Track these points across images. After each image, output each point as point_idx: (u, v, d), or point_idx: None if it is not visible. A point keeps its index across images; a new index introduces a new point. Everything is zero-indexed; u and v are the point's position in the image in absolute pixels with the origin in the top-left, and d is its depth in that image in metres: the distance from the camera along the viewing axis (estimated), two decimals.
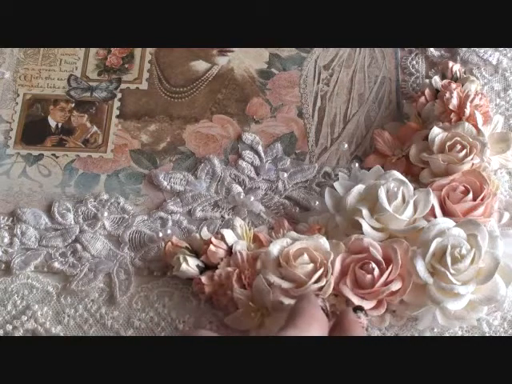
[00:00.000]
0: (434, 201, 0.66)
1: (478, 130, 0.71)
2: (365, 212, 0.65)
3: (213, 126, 0.79)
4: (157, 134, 0.79)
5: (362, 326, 0.59)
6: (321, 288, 0.62)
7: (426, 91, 0.76)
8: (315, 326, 0.56)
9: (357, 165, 0.74)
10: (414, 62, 0.82)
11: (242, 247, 0.66)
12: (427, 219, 0.66)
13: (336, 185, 0.70)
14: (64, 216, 0.73)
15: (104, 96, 0.81)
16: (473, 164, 0.69)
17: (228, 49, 0.84)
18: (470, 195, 0.67)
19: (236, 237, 0.68)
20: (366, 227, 0.65)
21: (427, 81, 0.77)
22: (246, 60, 0.83)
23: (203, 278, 0.65)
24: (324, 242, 0.64)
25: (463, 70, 0.78)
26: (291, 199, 0.74)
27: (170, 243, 0.68)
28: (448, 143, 0.70)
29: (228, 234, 0.67)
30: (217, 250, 0.66)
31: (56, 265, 0.70)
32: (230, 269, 0.65)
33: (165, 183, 0.74)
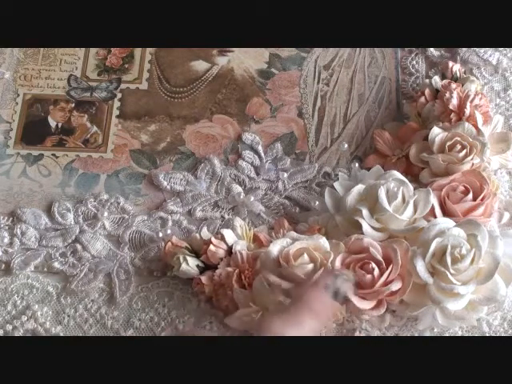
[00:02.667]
0: (433, 201, 0.66)
1: (478, 130, 0.71)
2: (365, 212, 0.65)
3: (213, 126, 0.79)
4: (157, 134, 0.79)
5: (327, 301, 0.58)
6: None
7: (426, 91, 0.75)
8: (306, 313, 0.56)
9: (357, 165, 0.74)
10: (414, 62, 0.82)
11: (241, 247, 0.66)
12: (427, 219, 0.66)
13: (336, 185, 0.70)
14: (64, 216, 0.73)
15: (104, 96, 0.81)
16: (473, 164, 0.69)
17: (228, 49, 0.84)
18: (470, 195, 0.67)
19: (236, 237, 0.68)
20: (365, 227, 0.65)
21: (427, 81, 0.77)
22: (245, 60, 0.83)
23: (203, 278, 0.65)
24: (324, 241, 0.64)
25: (463, 69, 0.78)
26: (291, 199, 0.74)
27: (169, 243, 0.68)
28: (448, 143, 0.70)
29: (228, 233, 0.67)
30: (217, 250, 0.66)
31: (56, 265, 0.70)
32: (229, 269, 0.65)
33: (165, 183, 0.74)
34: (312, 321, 0.56)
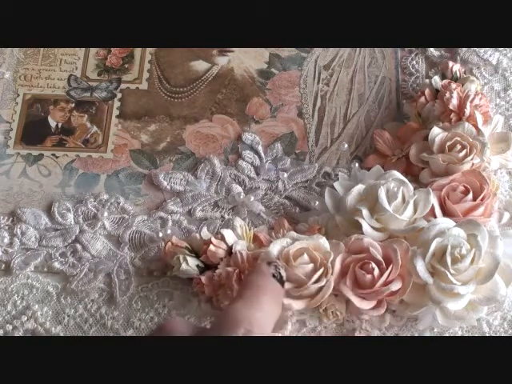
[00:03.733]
0: (433, 201, 0.66)
1: (478, 130, 0.71)
2: (365, 212, 0.65)
3: (213, 126, 0.79)
4: (157, 134, 0.79)
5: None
6: (321, 288, 0.62)
7: (426, 91, 0.76)
8: (263, 298, 0.56)
9: (357, 165, 0.74)
10: (414, 62, 0.82)
11: (241, 247, 0.66)
12: (427, 219, 0.66)
13: (336, 185, 0.70)
14: (64, 216, 0.73)
15: (104, 96, 0.81)
16: (473, 164, 0.69)
17: (228, 49, 0.84)
18: (470, 195, 0.67)
19: (236, 237, 0.68)
20: (365, 227, 0.65)
21: (427, 81, 0.77)
22: (245, 60, 0.83)
23: (203, 278, 0.65)
24: (324, 241, 0.64)
25: (463, 70, 0.78)
26: (291, 199, 0.74)
27: (169, 243, 0.68)
28: (448, 143, 0.70)
29: (228, 234, 0.67)
30: (217, 250, 0.66)
31: (56, 265, 0.70)
32: (229, 269, 0.65)
33: (165, 183, 0.74)
34: (269, 305, 0.56)
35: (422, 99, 0.75)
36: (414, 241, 0.64)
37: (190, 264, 0.66)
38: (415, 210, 0.66)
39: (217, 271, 0.65)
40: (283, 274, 0.60)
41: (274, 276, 0.59)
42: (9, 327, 0.66)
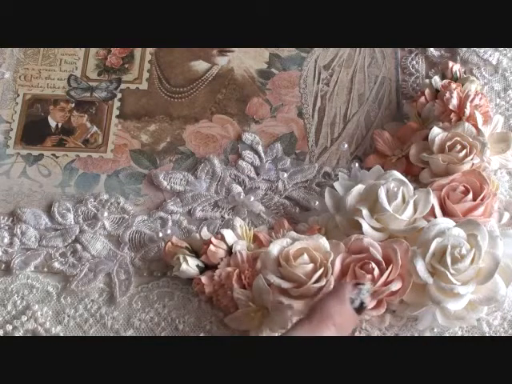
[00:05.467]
0: (434, 201, 0.66)
1: (478, 130, 0.71)
2: (365, 212, 0.65)
3: (213, 126, 0.79)
4: (157, 134, 0.79)
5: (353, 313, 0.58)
6: (321, 288, 0.62)
7: (426, 91, 0.76)
8: (330, 326, 0.56)
9: (357, 165, 0.74)
10: (414, 62, 0.82)
11: (242, 247, 0.66)
12: (427, 219, 0.66)
13: (336, 185, 0.70)
14: (64, 216, 0.73)
15: (104, 96, 0.81)
16: (473, 164, 0.69)
17: (228, 49, 0.84)
18: (470, 195, 0.67)
19: (236, 237, 0.68)
20: (365, 227, 0.65)
21: (427, 81, 0.77)
22: (246, 60, 0.83)
23: (203, 278, 0.65)
24: (324, 241, 0.64)
25: (463, 69, 0.78)
26: (291, 199, 0.74)
27: (169, 243, 0.68)
28: (448, 143, 0.70)
29: (228, 233, 0.67)
30: (217, 250, 0.66)
31: (56, 265, 0.70)
32: (229, 269, 0.65)
33: (165, 183, 0.74)
34: (333, 332, 0.56)
35: (422, 99, 0.75)
36: (413, 241, 0.64)
37: (190, 264, 0.66)
38: (415, 210, 0.66)
39: (217, 271, 0.65)
40: (366, 300, 0.58)
41: (352, 302, 0.58)
42: (9, 327, 0.66)
